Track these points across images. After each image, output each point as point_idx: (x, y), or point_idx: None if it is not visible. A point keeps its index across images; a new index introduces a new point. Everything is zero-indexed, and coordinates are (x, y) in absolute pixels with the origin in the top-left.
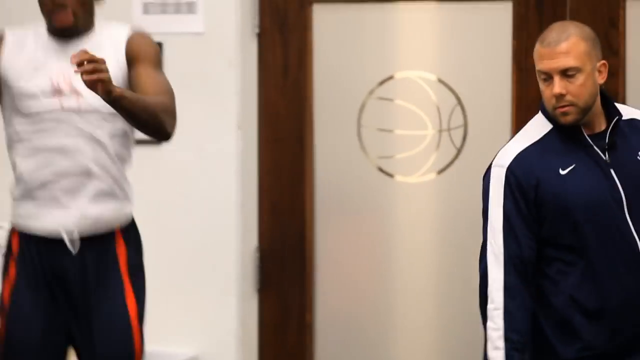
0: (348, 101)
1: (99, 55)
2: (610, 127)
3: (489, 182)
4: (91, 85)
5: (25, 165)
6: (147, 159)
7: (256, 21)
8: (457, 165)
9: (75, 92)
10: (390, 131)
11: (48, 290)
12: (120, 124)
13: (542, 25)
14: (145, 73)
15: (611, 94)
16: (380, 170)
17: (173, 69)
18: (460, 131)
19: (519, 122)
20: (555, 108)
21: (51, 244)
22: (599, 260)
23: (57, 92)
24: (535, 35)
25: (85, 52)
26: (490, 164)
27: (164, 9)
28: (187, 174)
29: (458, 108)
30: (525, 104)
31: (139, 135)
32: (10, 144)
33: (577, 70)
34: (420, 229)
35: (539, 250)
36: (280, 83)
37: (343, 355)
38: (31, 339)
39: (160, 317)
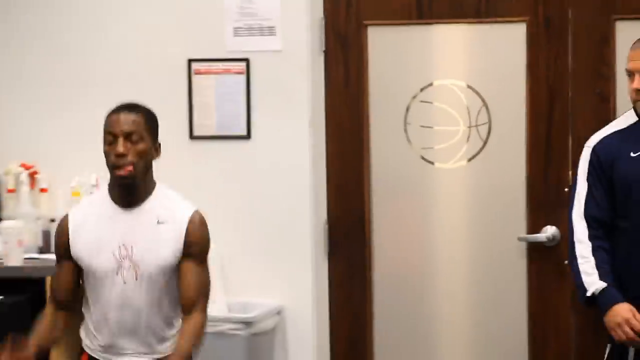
0: (396, 104)
1: (158, 239)
2: None
3: (580, 158)
4: None
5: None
6: (241, 151)
7: (322, 41)
8: (483, 155)
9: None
10: (430, 127)
11: None
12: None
13: (550, 41)
14: (194, 271)
15: (605, 97)
16: (423, 158)
17: (258, 79)
18: (486, 127)
19: (532, 119)
20: (636, 101)
21: None
22: None
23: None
24: (544, 49)
25: None
26: (584, 144)
27: (250, 32)
28: (271, 162)
29: (484, 108)
30: (537, 105)
31: (235, 131)
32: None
33: None
34: (455, 206)
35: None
36: (342, 91)
37: (397, 305)
38: None
39: (252, 276)
